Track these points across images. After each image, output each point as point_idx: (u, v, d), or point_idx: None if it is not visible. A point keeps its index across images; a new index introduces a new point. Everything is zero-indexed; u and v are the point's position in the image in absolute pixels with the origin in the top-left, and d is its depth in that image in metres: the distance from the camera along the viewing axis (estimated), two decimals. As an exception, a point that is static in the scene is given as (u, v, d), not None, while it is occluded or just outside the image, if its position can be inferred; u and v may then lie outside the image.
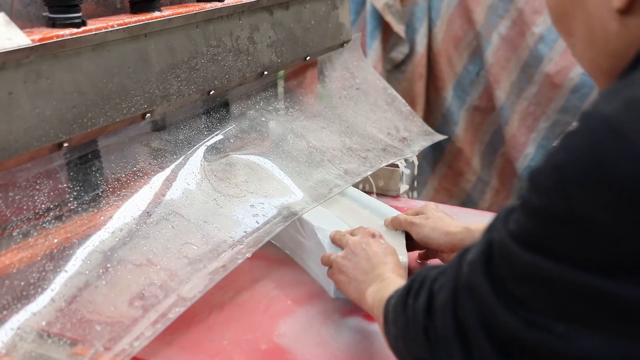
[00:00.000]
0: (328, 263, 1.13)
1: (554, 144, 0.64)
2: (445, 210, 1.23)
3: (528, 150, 2.59)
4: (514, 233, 0.65)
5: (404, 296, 0.82)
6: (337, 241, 1.16)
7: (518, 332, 0.63)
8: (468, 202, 2.80)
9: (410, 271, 1.17)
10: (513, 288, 0.64)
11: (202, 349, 1.03)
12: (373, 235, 1.11)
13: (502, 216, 0.69)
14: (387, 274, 1.01)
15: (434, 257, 1.25)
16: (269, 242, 1.19)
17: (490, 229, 0.70)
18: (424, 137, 1.70)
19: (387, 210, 1.33)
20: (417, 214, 1.24)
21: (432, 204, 1.26)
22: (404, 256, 1.16)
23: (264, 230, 1.19)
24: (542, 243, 0.62)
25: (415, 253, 1.27)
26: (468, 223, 1.17)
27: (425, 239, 1.18)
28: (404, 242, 1.22)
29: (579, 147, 0.60)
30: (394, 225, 1.26)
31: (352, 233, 1.15)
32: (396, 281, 0.98)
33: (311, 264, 1.25)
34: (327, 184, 1.36)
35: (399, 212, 1.29)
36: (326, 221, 1.23)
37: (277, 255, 1.31)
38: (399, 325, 0.81)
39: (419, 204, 1.57)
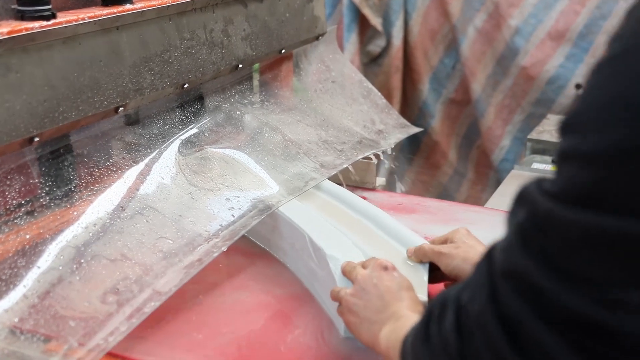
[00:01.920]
0: (337, 299, 1.00)
1: (586, 81, 0.56)
2: (474, 235, 1.10)
3: (504, 142, 2.60)
4: (559, 194, 0.54)
5: (424, 327, 0.69)
6: (347, 274, 1.03)
7: (585, 313, 0.53)
8: (445, 194, 2.81)
9: None
10: (568, 262, 0.54)
11: (178, 344, 1.02)
12: (385, 268, 0.97)
13: (531, 189, 0.58)
14: (403, 311, 0.89)
15: None
16: (244, 236, 1.18)
17: (514, 212, 0.60)
18: (400, 130, 1.70)
19: (408, 235, 1.19)
20: (445, 241, 1.09)
21: (463, 230, 1.10)
22: (424, 295, 1.02)
23: (239, 223, 1.18)
24: (601, 195, 0.52)
25: (441, 285, 1.12)
26: None
27: (456, 270, 1.03)
28: (426, 276, 1.08)
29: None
30: (419, 256, 1.10)
31: (363, 265, 1.02)
32: (413, 318, 0.82)
33: (323, 296, 1.13)
34: (303, 177, 1.35)
35: (423, 240, 1.16)
36: (340, 247, 1.12)
37: (254, 248, 1.30)
38: None
39: (395, 197, 1.57)
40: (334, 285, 1.03)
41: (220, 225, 1.16)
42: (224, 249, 1.11)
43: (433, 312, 0.68)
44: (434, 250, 1.07)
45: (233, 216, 1.19)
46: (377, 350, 0.89)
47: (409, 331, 0.75)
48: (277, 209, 1.23)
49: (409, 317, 0.86)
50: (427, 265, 1.09)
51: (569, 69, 2.41)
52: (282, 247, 1.25)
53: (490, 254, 0.62)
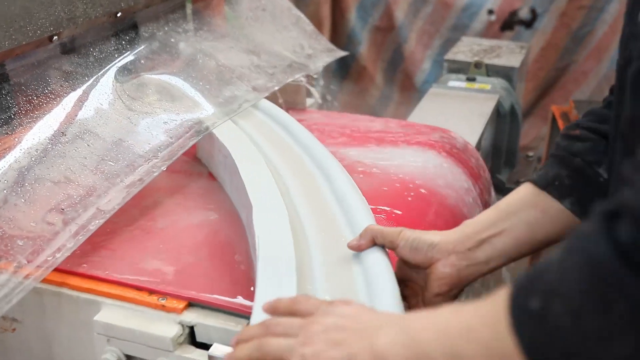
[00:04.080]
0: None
1: None
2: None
3: (424, 65, 2.61)
4: None
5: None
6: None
7: None
8: (373, 115, 2.81)
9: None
10: None
11: (121, 260, 0.99)
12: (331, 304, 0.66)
13: None
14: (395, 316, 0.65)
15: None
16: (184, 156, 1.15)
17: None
18: (327, 54, 1.67)
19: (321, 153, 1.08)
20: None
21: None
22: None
23: (177, 144, 1.14)
24: None
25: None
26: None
27: (417, 242, 0.79)
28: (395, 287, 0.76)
29: None
30: (367, 237, 0.82)
31: (293, 313, 0.67)
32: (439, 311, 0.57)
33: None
34: (236, 99, 1.32)
35: (343, 170, 1.01)
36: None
37: (194, 169, 1.27)
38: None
39: (329, 115, 1.55)
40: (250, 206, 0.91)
41: (159, 146, 1.13)
42: (163, 168, 1.08)
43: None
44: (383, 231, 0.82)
45: (171, 138, 1.15)
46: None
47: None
48: (212, 131, 1.20)
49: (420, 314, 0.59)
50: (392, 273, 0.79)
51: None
52: (216, 165, 1.22)
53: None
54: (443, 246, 0.78)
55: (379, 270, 0.78)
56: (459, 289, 0.80)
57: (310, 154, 1.15)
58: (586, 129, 0.81)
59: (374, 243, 0.82)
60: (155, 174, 1.07)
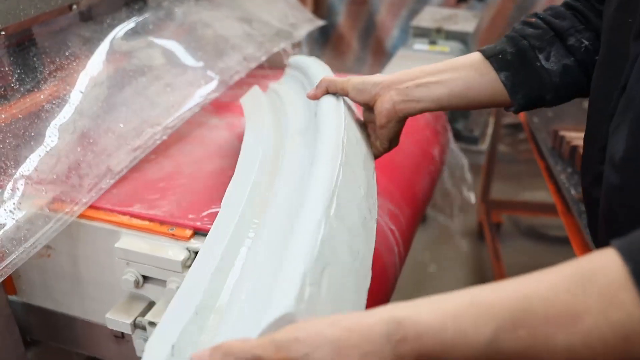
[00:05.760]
0: None
1: None
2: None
3: (394, 32, 2.59)
4: None
5: None
6: None
7: None
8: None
9: None
10: None
11: (142, 196, 0.99)
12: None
13: None
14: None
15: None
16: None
17: None
18: (309, 23, 1.64)
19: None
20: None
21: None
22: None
23: (178, 116, 1.09)
24: None
25: None
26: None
27: (379, 86, 0.79)
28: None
29: None
30: (322, 87, 0.83)
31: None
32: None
33: None
34: (229, 70, 1.26)
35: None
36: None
37: (210, 122, 1.22)
38: None
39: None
40: None
41: (162, 114, 1.08)
42: (165, 137, 1.05)
43: None
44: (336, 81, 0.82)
45: (172, 107, 1.10)
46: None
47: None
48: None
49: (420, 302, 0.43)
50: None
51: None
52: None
53: None
54: (385, 83, 0.79)
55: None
56: (395, 122, 0.79)
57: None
58: (541, 20, 0.79)
59: (327, 92, 0.83)
60: (158, 142, 1.03)
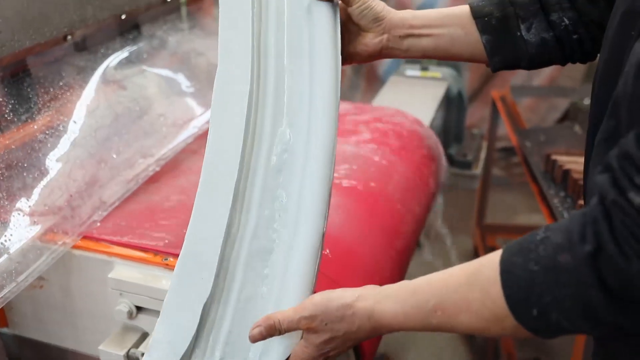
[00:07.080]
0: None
1: None
2: None
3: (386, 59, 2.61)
4: None
5: (552, 256, 0.51)
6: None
7: None
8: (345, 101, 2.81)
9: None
10: None
11: (135, 227, 0.98)
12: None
13: None
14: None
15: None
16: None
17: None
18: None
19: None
20: None
21: None
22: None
23: (170, 148, 1.09)
24: None
25: None
26: None
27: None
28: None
29: None
30: None
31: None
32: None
33: None
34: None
35: None
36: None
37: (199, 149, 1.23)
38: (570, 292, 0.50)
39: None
40: None
41: (155, 145, 1.08)
42: (158, 168, 1.05)
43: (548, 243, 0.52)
44: None
45: (165, 138, 1.11)
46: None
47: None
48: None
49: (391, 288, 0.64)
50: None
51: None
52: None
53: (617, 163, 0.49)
54: (384, 24, 0.79)
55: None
56: (372, 59, 0.82)
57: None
58: None
59: None
60: (151, 173, 1.03)
